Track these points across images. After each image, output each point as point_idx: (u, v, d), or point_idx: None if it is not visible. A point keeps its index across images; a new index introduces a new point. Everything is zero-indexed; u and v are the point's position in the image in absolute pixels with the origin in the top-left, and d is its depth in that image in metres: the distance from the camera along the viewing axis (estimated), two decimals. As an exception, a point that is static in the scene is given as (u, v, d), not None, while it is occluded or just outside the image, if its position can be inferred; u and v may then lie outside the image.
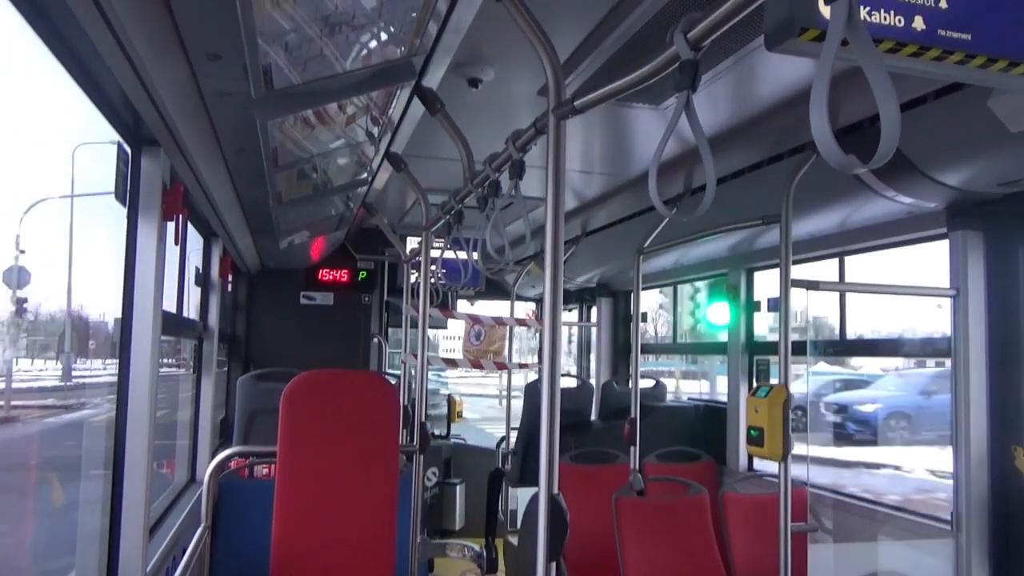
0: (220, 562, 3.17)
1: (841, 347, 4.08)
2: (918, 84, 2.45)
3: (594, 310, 7.24)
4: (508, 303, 6.83)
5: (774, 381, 3.11)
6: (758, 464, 4.78)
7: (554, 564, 1.70)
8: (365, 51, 2.24)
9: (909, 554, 3.07)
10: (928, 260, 3.54)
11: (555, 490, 1.68)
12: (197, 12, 1.73)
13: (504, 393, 6.73)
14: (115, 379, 2.45)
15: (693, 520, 3.88)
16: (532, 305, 8.19)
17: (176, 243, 2.61)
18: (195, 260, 4.37)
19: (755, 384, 4.65)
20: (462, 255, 3.42)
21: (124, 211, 2.41)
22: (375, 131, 3.23)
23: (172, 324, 3.41)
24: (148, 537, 2.58)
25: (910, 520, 3.40)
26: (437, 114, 2.68)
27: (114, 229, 2.45)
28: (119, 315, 2.46)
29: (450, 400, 7.33)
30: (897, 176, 2.85)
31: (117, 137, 2.27)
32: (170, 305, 3.39)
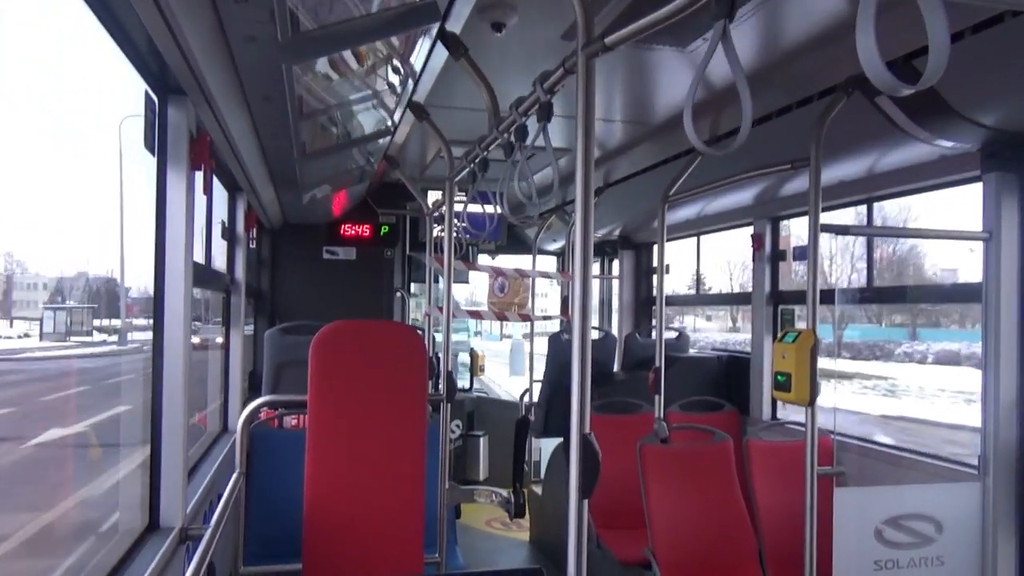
0: (255, 507, 3.26)
1: (869, 294, 4.05)
2: (956, 19, 2.38)
3: (615, 263, 7.22)
4: (529, 257, 6.84)
5: (800, 325, 3.10)
6: (781, 413, 4.80)
7: (584, 504, 1.72)
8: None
9: (935, 498, 3.08)
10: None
11: (587, 429, 1.69)
12: None
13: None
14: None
15: (717, 467, 3.92)
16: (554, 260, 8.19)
17: (204, 193, 2.63)
18: (220, 215, 4.40)
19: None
20: (487, 207, 3.41)
21: (154, 161, 2.42)
22: (397, 81, 3.21)
23: (202, 275, 3.45)
24: (187, 480, 2.66)
25: (936, 464, 3.41)
26: (461, 59, 2.65)
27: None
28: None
29: (472, 354, 7.38)
30: (931, 116, 2.79)
31: (144, 86, 2.27)
32: (199, 258, 3.43)
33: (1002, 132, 2.79)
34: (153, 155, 2.40)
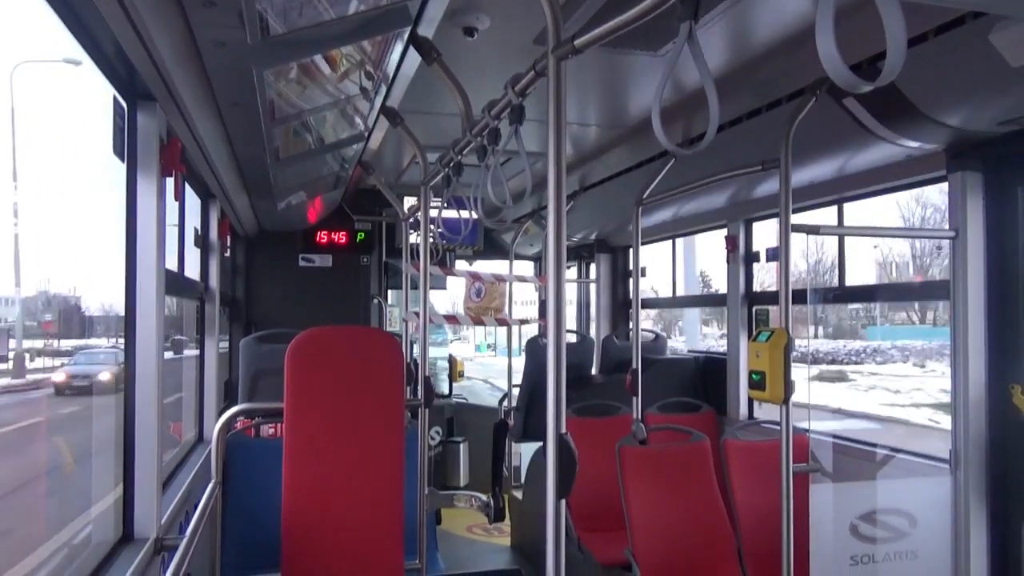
0: (231, 517, 3.22)
1: (841, 293, 4.11)
2: (918, 21, 2.43)
3: (593, 267, 7.26)
4: (507, 262, 6.85)
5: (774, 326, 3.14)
6: (758, 413, 4.84)
7: (563, 503, 1.72)
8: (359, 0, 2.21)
9: (908, 492, 3.13)
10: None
11: (563, 430, 1.69)
12: None
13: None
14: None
15: (695, 467, 3.94)
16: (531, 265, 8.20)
17: (176, 199, 2.61)
18: (194, 223, 4.36)
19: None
20: (463, 212, 3.41)
21: (123, 168, 2.40)
22: (370, 86, 3.20)
23: (174, 283, 3.42)
24: (161, 490, 2.63)
25: (909, 460, 3.46)
26: (433, 63, 2.66)
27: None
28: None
29: (451, 360, 7.37)
30: (896, 117, 2.84)
31: (113, 91, 2.25)
32: (171, 265, 3.39)
33: (965, 132, 2.85)
34: (123, 161, 2.38)
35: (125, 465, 2.47)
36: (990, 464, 3.07)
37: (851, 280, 4.00)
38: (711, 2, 2.56)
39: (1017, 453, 3.00)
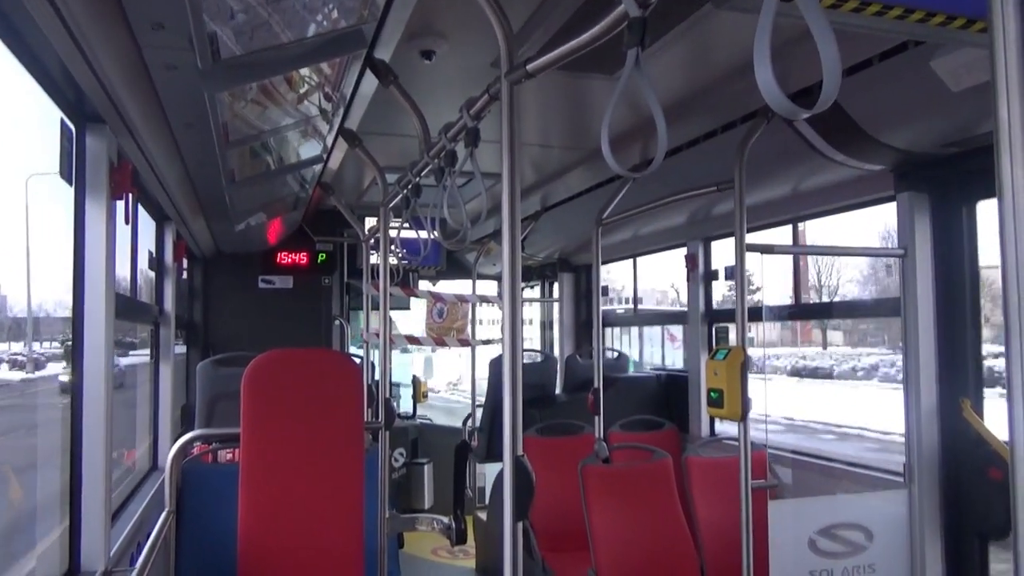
0: (186, 546, 3.14)
1: (795, 311, 4.18)
2: (863, 47, 2.50)
3: (556, 286, 7.28)
4: (470, 282, 6.84)
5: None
6: (719, 429, 4.88)
7: (520, 526, 1.72)
8: (314, 22, 2.21)
9: (865, 507, 3.17)
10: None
11: (519, 452, 1.70)
12: None
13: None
14: None
15: (657, 485, 3.95)
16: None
17: (126, 223, 2.56)
18: (149, 245, 4.27)
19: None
20: (422, 233, 3.40)
21: (71, 191, 2.34)
22: (328, 107, 3.19)
23: (126, 307, 3.34)
24: (111, 522, 2.55)
25: (865, 475, 3.52)
26: (390, 86, 2.66)
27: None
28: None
29: (415, 381, 7.31)
30: (844, 139, 2.92)
31: (60, 113, 2.21)
32: (123, 290, 3.31)
33: (911, 153, 2.93)
34: (70, 184, 2.33)
35: (72, 495, 2.40)
36: (943, 478, 3.13)
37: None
38: (664, 27, 2.60)
39: (969, 467, 3.06)
